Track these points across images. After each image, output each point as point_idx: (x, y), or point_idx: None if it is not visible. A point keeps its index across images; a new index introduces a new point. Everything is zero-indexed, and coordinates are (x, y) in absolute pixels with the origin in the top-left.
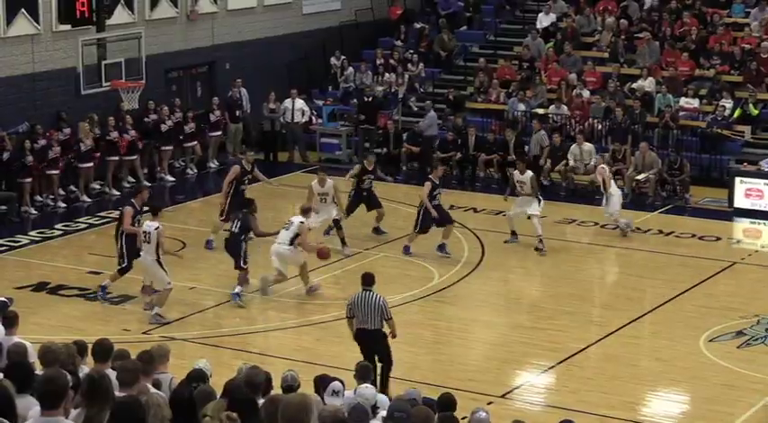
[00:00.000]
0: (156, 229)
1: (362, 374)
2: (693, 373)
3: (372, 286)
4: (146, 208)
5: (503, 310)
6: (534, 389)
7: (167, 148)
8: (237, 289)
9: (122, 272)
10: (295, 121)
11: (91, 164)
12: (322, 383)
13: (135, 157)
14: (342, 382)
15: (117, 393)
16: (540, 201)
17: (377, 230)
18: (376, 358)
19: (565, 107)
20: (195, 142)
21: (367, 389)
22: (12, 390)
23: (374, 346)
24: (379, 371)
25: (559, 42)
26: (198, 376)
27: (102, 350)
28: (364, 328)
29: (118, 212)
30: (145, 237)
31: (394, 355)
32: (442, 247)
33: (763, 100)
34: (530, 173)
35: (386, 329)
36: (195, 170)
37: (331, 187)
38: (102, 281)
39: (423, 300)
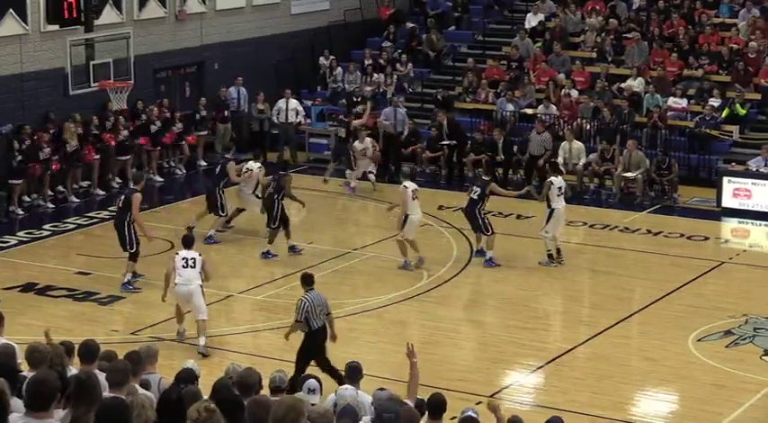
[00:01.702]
0: (200, 255)
1: (351, 375)
2: (682, 373)
3: (313, 285)
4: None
5: (492, 310)
6: (523, 389)
7: (156, 148)
8: (267, 248)
9: (134, 257)
10: (289, 121)
11: (81, 162)
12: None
13: (128, 157)
14: (318, 379)
15: (106, 394)
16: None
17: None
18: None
19: (554, 107)
20: (183, 142)
21: (347, 390)
22: (7, 388)
23: (323, 343)
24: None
25: (548, 42)
26: (187, 377)
27: (88, 351)
28: (321, 327)
29: (119, 200)
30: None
31: (382, 354)
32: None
33: (750, 100)
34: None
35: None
36: (184, 170)
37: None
38: (91, 281)
39: (412, 299)
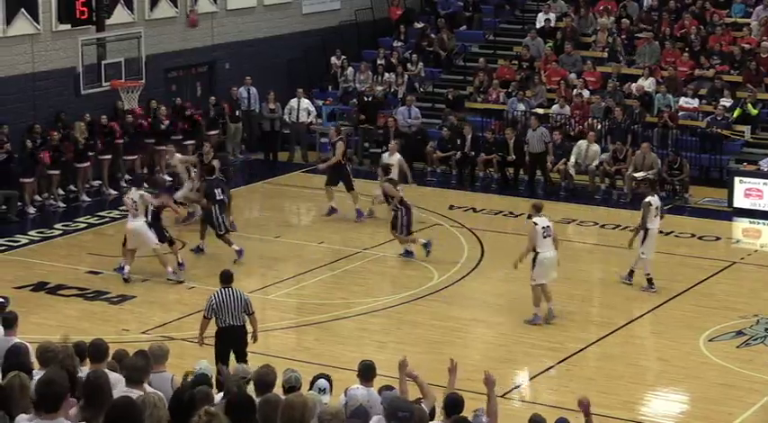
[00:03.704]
0: (140, 195)
1: (365, 374)
2: (693, 373)
3: (232, 283)
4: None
5: (502, 310)
6: (534, 388)
7: (164, 147)
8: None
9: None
10: (300, 120)
11: (87, 163)
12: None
13: (135, 156)
14: (329, 379)
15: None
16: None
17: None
18: (232, 355)
19: (567, 106)
20: (193, 141)
21: (357, 390)
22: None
23: (237, 342)
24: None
25: (559, 42)
26: (201, 381)
27: (97, 350)
28: (232, 325)
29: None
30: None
31: (392, 354)
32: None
33: (762, 100)
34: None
35: (248, 326)
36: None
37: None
38: (102, 280)
39: (422, 299)
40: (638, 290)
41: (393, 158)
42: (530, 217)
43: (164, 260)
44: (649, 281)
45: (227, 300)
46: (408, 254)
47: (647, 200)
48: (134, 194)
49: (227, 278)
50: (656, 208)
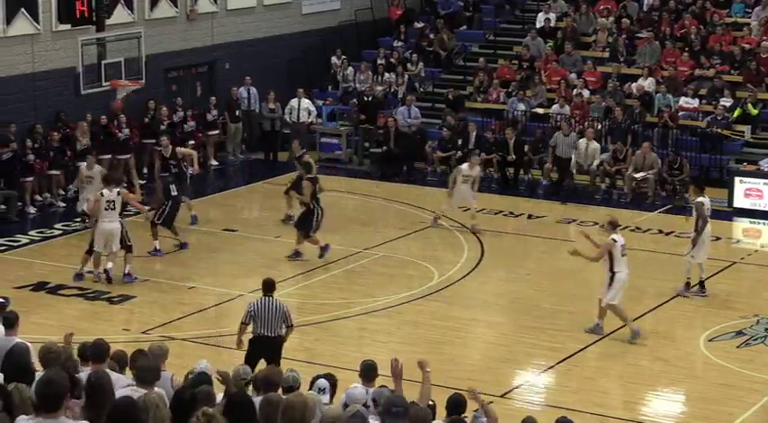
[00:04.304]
0: (118, 192)
1: (366, 374)
2: (693, 373)
3: (273, 293)
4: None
5: (503, 310)
6: (534, 388)
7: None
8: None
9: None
10: (301, 120)
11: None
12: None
13: (128, 156)
14: (329, 379)
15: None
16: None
17: None
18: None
19: (567, 106)
20: (193, 142)
21: (356, 389)
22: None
23: (269, 353)
24: None
25: (559, 42)
26: (202, 380)
27: (98, 351)
28: (265, 335)
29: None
30: (108, 205)
31: (393, 354)
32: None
33: (762, 100)
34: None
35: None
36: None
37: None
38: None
39: (423, 299)
40: (638, 290)
41: (474, 171)
42: (602, 226)
43: (128, 259)
44: (697, 285)
45: (264, 309)
46: (297, 255)
47: (698, 200)
48: (110, 195)
49: (268, 287)
50: (708, 209)
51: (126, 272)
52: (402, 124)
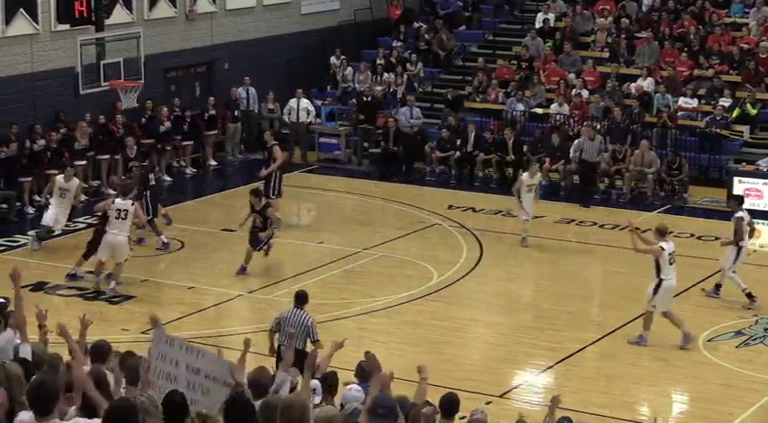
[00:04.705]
0: (132, 204)
1: (362, 374)
2: (692, 373)
3: (304, 305)
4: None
5: (502, 310)
6: (533, 388)
7: (164, 148)
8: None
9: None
10: (300, 120)
11: (84, 162)
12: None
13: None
14: (324, 379)
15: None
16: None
17: None
18: None
19: (566, 106)
20: (192, 142)
21: (350, 390)
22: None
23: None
24: None
25: (558, 42)
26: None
27: (100, 351)
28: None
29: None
30: (119, 214)
31: (392, 354)
32: None
33: (761, 100)
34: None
35: (309, 349)
36: (193, 170)
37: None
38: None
39: (422, 299)
40: (637, 290)
41: (535, 179)
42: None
43: (117, 272)
44: (749, 295)
45: (290, 320)
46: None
47: (739, 215)
48: (123, 204)
49: (299, 299)
50: (748, 223)
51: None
52: (404, 125)
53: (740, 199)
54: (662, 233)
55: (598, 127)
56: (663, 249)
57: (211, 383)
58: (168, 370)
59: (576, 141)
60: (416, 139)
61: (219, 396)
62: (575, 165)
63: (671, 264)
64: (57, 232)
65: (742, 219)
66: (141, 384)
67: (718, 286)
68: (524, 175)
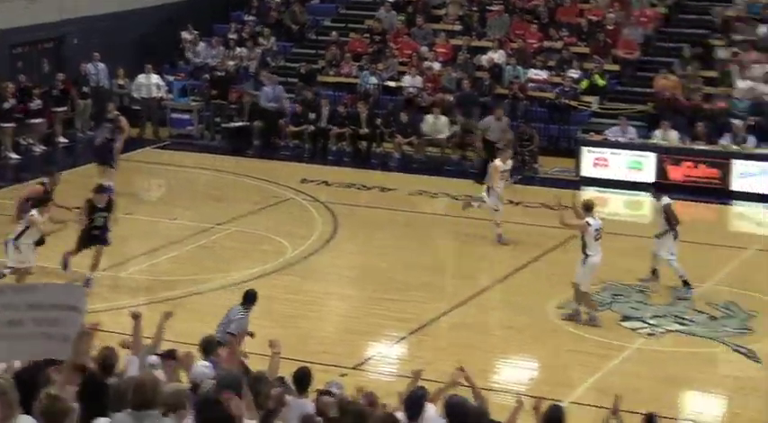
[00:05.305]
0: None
1: (204, 348)
2: (543, 340)
3: (249, 305)
4: None
5: (356, 283)
6: (387, 359)
7: (9, 125)
8: None
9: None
10: (152, 96)
11: None
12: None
13: None
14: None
15: None
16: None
17: None
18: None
19: (418, 78)
20: (41, 119)
21: (198, 367)
22: None
23: None
24: None
25: (411, 15)
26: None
27: None
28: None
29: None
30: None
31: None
32: None
33: (609, 71)
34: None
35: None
36: (42, 147)
37: None
38: None
39: (276, 274)
40: (489, 260)
41: (508, 165)
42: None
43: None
44: (685, 282)
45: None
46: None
47: (666, 201)
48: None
49: (245, 297)
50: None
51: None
52: (266, 103)
53: (661, 187)
54: (588, 208)
55: (450, 99)
56: (589, 225)
57: (59, 312)
58: (8, 317)
59: (483, 120)
60: (275, 115)
61: (72, 322)
62: (479, 143)
63: (597, 240)
64: None
65: (670, 204)
66: None
67: (654, 271)
68: (498, 162)
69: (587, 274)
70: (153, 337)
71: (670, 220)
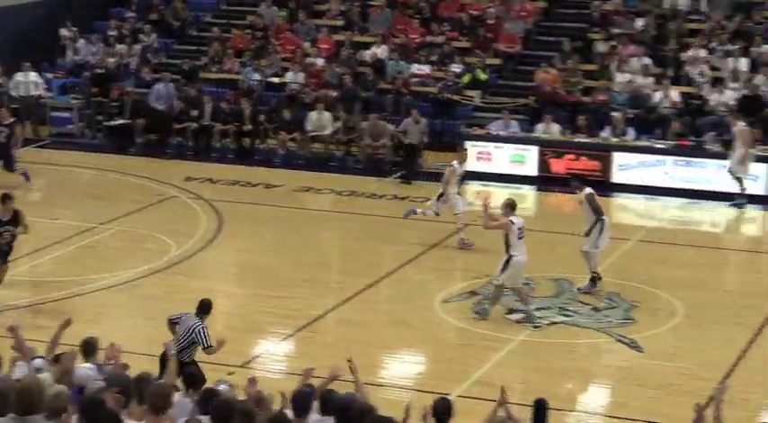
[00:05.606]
0: None
1: (86, 350)
2: (429, 334)
3: (203, 314)
4: None
5: (241, 280)
6: (274, 357)
7: None
8: None
9: None
10: (30, 94)
11: None
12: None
13: None
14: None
15: None
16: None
17: None
18: None
19: (301, 75)
20: None
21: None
22: None
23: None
24: None
25: (293, 11)
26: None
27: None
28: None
29: None
30: None
31: (134, 330)
32: None
33: (490, 65)
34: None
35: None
36: None
37: None
38: None
39: (161, 272)
40: (376, 255)
41: (463, 167)
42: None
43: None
44: (593, 279)
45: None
46: None
47: (588, 191)
48: None
49: (199, 306)
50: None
51: None
52: (155, 103)
53: (581, 178)
54: (511, 207)
55: (333, 95)
56: (513, 223)
57: None
58: None
59: (403, 122)
60: (160, 113)
61: None
62: (391, 143)
63: (520, 238)
64: None
65: (593, 194)
66: None
67: (593, 279)
68: (455, 164)
69: (515, 275)
70: (49, 343)
71: (596, 209)
